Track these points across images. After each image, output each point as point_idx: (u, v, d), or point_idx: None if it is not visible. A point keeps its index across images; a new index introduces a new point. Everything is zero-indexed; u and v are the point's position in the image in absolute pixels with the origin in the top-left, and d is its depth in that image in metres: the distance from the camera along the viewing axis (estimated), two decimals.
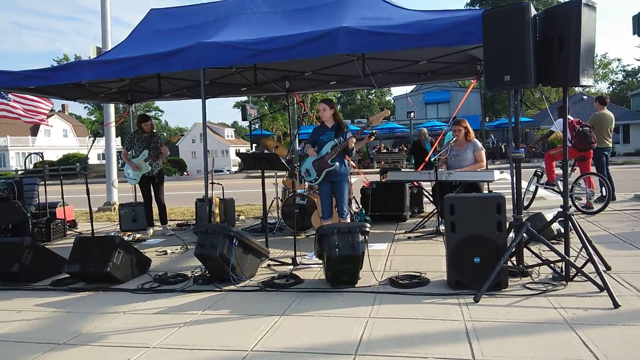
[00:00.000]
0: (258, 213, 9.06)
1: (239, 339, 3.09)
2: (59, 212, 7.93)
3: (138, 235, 6.93)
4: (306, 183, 7.06)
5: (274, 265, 4.96)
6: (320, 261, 4.40)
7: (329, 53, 5.06)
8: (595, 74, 3.88)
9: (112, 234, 5.64)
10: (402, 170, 8.86)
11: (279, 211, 7.20)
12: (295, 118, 10.04)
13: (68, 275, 4.70)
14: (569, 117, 7.94)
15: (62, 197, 7.98)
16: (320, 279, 4.39)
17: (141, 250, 5.10)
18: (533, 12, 3.69)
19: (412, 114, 29.53)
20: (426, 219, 6.74)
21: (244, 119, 8.70)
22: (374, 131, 8.36)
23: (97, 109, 55.00)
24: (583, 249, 3.79)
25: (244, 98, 38.16)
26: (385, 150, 31.59)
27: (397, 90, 67.07)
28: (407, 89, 43.62)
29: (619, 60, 69.45)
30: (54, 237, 7.28)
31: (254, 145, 26.25)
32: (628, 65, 67.10)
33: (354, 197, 7.51)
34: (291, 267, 4.78)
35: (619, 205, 7.80)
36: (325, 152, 5.25)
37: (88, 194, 5.79)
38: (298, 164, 7.52)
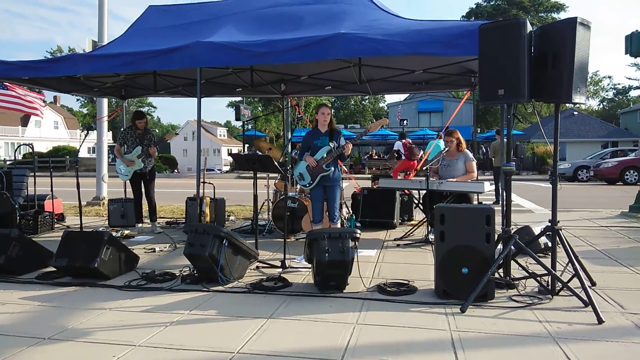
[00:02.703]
0: (248, 214, 9.05)
1: (225, 341, 3.09)
2: (48, 205, 7.86)
3: (126, 232, 6.88)
4: (298, 186, 7.08)
5: (263, 267, 4.96)
6: (309, 265, 4.41)
7: (326, 57, 5.09)
8: (587, 91, 3.95)
9: (100, 229, 5.61)
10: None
11: (270, 213, 7.20)
12: (289, 121, 10.05)
13: (54, 269, 4.67)
14: (405, 139, 10.52)
15: (52, 190, 7.91)
16: (308, 283, 4.40)
17: (129, 247, 5.07)
18: (529, 28, 3.74)
19: (405, 122, 29.65)
20: (416, 227, 6.78)
21: (237, 119, 8.70)
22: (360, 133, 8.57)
23: (89, 102, 54.59)
24: (569, 264, 3.84)
25: (238, 98, 38.15)
26: (377, 157, 31.68)
27: (391, 98, 67.35)
28: (401, 96, 43.86)
29: (610, 77, 70.37)
30: (41, 230, 7.22)
31: (247, 145, 26.25)
32: (619, 83, 68.04)
33: (344, 202, 7.53)
34: (280, 269, 4.79)
35: (605, 222, 7.91)
36: (320, 156, 5.27)
37: (78, 187, 5.74)
38: (290, 166, 7.54)
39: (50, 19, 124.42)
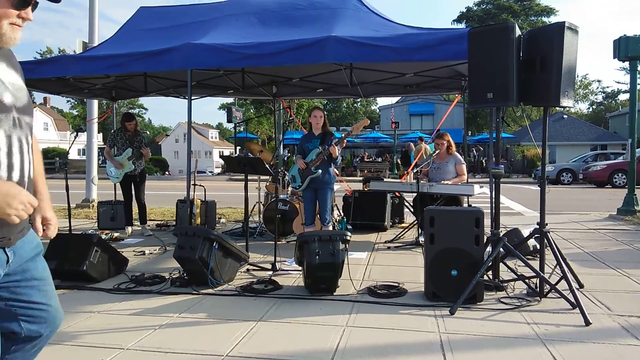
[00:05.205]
0: (239, 216, 9.02)
1: (214, 344, 3.08)
2: None
3: (116, 234, 6.83)
4: (289, 188, 7.08)
5: (254, 270, 4.95)
6: (300, 268, 4.41)
7: (316, 61, 5.11)
8: (575, 94, 3.99)
9: (89, 232, 5.57)
10: (385, 180, 8.92)
11: (261, 216, 7.19)
12: (280, 123, 10.06)
13: None
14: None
15: None
16: (299, 285, 4.40)
17: (119, 250, 5.03)
18: (518, 32, 3.78)
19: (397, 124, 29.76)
20: (406, 230, 6.80)
21: (229, 121, 8.68)
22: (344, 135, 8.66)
23: (79, 104, 54.02)
24: (557, 266, 3.88)
25: (230, 100, 38.13)
26: (369, 159, 31.77)
27: (383, 101, 67.59)
28: (393, 99, 44.03)
29: (599, 81, 70.88)
30: None
31: (238, 148, 26.19)
32: (607, 87, 68.75)
33: (336, 204, 7.54)
34: (270, 272, 4.78)
35: (593, 225, 7.98)
36: (310, 159, 5.29)
37: (67, 189, 5.70)
38: (282, 169, 7.54)
39: (40, 20, 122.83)
